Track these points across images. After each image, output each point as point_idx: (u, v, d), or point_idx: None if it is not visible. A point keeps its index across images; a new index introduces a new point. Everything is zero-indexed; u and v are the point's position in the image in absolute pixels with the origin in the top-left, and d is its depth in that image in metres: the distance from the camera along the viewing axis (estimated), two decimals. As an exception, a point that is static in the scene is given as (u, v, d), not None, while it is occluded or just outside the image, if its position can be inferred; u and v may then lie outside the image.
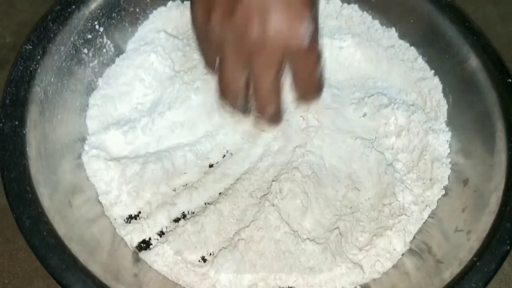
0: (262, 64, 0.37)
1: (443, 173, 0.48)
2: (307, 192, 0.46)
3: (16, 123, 0.42)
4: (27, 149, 0.41)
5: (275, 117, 0.41)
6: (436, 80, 0.52)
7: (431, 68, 0.53)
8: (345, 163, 0.49)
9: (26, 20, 0.60)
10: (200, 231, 0.44)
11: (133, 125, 0.48)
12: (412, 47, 0.55)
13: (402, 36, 0.55)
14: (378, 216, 0.46)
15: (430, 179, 0.48)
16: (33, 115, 0.43)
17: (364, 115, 0.52)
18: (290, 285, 0.44)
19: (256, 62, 0.37)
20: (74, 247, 0.39)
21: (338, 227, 0.45)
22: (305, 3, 0.36)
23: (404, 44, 0.55)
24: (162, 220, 0.46)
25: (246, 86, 0.39)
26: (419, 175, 0.49)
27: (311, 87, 0.40)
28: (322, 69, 0.40)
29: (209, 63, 0.41)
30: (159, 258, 0.44)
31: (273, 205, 0.45)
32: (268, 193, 0.46)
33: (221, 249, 0.44)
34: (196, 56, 0.52)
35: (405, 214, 0.46)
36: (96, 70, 0.51)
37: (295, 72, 0.39)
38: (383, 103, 0.51)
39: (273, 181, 0.47)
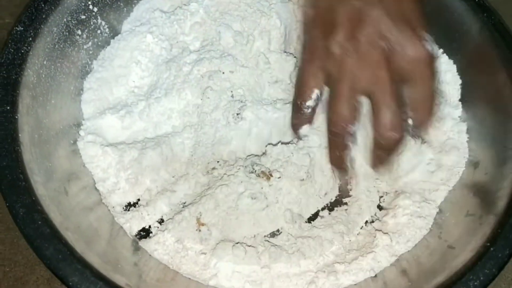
0: (383, 81, 0.37)
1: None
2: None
3: (8, 108, 0.40)
4: (20, 135, 0.40)
5: (394, 146, 0.40)
6: (446, 59, 0.50)
7: (440, 47, 0.51)
8: None
9: (25, 0, 0.58)
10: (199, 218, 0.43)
11: (130, 110, 0.47)
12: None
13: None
14: None
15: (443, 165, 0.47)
16: (25, 99, 0.42)
17: None
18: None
19: (378, 81, 0.37)
20: (71, 237, 0.37)
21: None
22: (419, 15, 0.38)
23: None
24: (162, 207, 0.44)
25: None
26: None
27: (425, 107, 0.39)
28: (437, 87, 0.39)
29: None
30: (160, 247, 0.43)
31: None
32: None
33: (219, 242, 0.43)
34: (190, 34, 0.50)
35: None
36: (90, 52, 0.49)
37: (410, 90, 0.38)
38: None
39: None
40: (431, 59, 0.37)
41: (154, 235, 0.43)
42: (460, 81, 0.49)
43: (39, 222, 0.36)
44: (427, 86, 0.38)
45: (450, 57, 0.50)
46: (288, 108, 0.47)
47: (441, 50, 0.51)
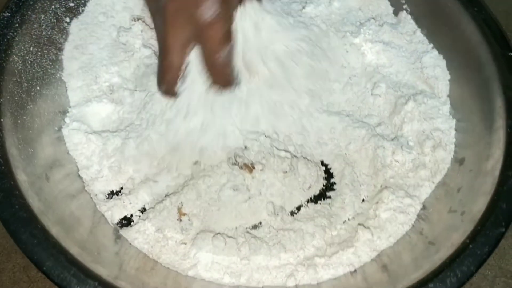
0: (170, 34, 0.39)
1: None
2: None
3: (-10, 92, 0.40)
4: (2, 119, 0.40)
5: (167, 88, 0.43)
6: (435, 54, 0.50)
7: (429, 42, 0.51)
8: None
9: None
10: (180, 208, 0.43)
11: (116, 98, 0.47)
12: (411, 20, 0.52)
13: (400, 8, 0.53)
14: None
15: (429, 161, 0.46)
16: (9, 85, 0.42)
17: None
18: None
19: (165, 31, 0.39)
20: (49, 223, 0.37)
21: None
22: None
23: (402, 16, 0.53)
24: (144, 197, 0.44)
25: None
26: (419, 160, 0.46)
27: (217, 70, 0.41)
28: (230, 52, 0.40)
29: None
30: (140, 235, 0.43)
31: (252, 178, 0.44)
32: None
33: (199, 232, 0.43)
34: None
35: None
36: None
37: (203, 51, 0.40)
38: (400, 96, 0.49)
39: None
40: (210, 14, 0.37)
41: (135, 224, 0.43)
42: (449, 76, 0.49)
43: (17, 207, 0.36)
44: (212, 43, 0.39)
45: (439, 52, 0.50)
46: None
47: (431, 45, 0.50)
